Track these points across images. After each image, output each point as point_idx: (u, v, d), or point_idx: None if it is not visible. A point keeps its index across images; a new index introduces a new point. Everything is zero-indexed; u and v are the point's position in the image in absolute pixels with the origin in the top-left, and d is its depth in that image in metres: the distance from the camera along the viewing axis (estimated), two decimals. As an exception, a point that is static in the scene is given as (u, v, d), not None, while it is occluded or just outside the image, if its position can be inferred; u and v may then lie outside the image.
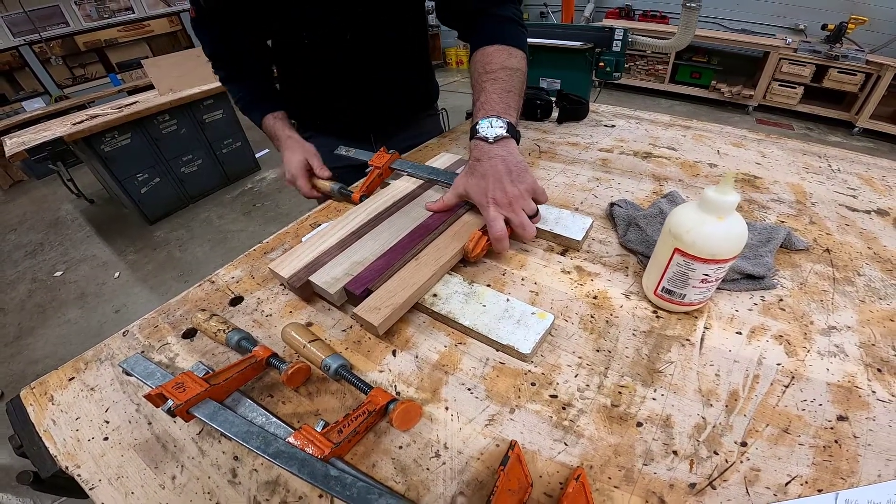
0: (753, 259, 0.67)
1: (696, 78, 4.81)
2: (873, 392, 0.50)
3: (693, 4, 2.73)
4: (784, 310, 0.61)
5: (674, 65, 4.84)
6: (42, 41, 5.85)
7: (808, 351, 0.55)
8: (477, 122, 0.74)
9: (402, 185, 0.87)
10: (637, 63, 5.01)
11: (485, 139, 0.71)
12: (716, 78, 4.72)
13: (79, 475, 0.49)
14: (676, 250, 0.55)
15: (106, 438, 0.52)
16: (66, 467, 0.50)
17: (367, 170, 0.93)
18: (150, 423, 0.54)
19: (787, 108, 4.41)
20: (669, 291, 0.59)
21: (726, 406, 0.49)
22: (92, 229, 3.47)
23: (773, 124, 4.36)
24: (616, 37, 2.95)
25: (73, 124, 3.04)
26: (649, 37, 3.09)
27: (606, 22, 4.95)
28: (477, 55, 0.85)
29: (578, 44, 2.99)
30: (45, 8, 5.77)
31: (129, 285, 2.73)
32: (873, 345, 0.56)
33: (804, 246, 0.72)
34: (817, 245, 0.73)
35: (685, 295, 0.58)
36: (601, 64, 3.02)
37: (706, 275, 0.55)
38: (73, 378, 0.61)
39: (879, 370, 0.53)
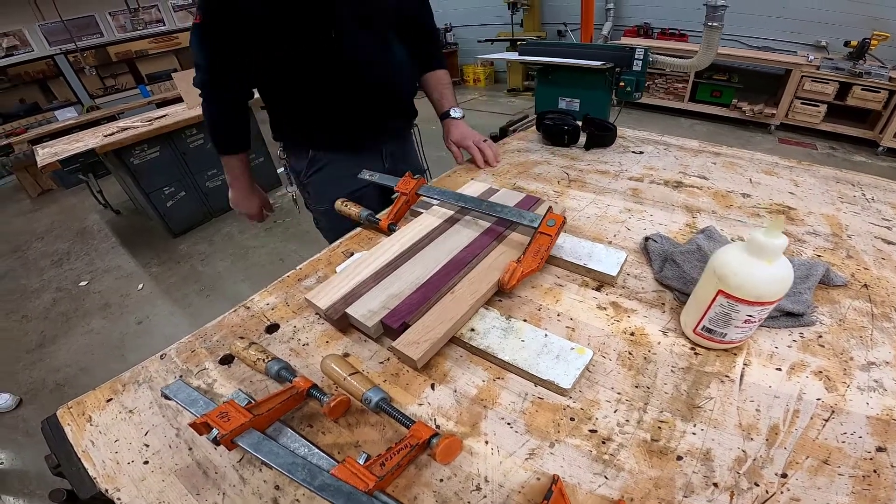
0: (793, 296, 0.65)
1: (717, 97, 4.76)
2: None
3: (715, 23, 2.74)
4: (823, 346, 0.60)
5: (693, 83, 4.80)
6: (77, 51, 6.02)
7: (848, 386, 0.54)
8: (449, 110, 1.31)
9: (433, 217, 0.88)
10: (656, 82, 4.98)
11: (456, 118, 1.30)
12: (737, 96, 4.66)
13: (119, 499, 0.49)
14: (721, 292, 0.55)
15: (146, 462, 0.53)
16: (106, 490, 0.50)
17: (394, 196, 0.94)
18: (190, 449, 0.54)
19: (810, 126, 4.33)
20: (710, 330, 0.59)
21: (767, 440, 0.49)
22: (117, 240, 3.55)
23: (796, 143, 4.29)
24: (637, 56, 2.95)
25: (105, 136, 3.11)
26: (670, 55, 3.10)
27: (625, 40, 4.95)
28: (434, 74, 1.35)
29: (598, 63, 2.99)
30: (81, 18, 5.99)
31: (152, 297, 2.77)
32: (912, 379, 0.55)
33: (842, 282, 0.71)
34: (855, 280, 0.72)
35: (726, 334, 0.58)
36: (621, 84, 3.02)
37: (750, 316, 0.55)
38: (111, 399, 0.62)
39: (919, 404, 0.52)
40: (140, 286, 2.88)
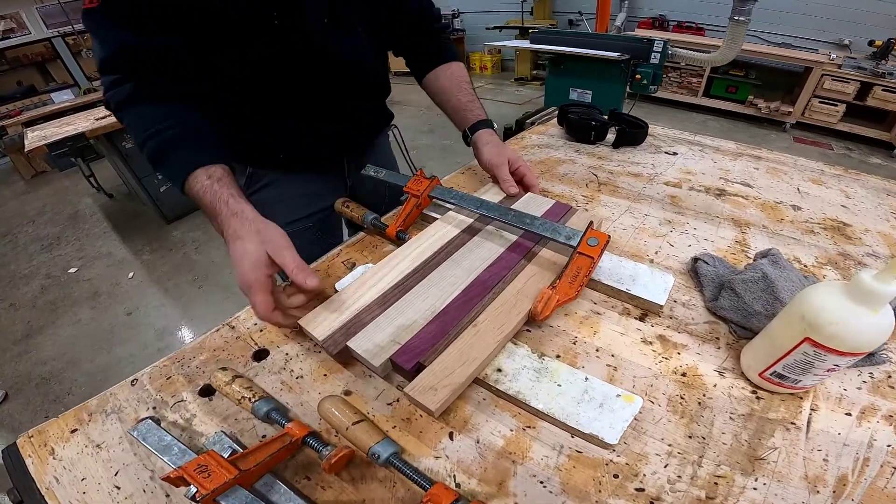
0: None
1: (732, 92, 4.63)
2: None
3: (742, 18, 2.61)
4: (893, 387, 0.54)
5: (709, 78, 4.67)
6: (75, 33, 5.90)
7: None
8: (476, 122, 0.96)
9: (450, 225, 0.76)
10: (669, 75, 4.85)
11: (483, 130, 0.94)
12: (753, 93, 4.54)
13: None
14: (808, 340, 0.45)
15: None
16: None
17: (403, 198, 0.83)
18: (168, 496, 0.46)
19: (826, 126, 4.22)
20: (782, 377, 0.50)
21: (833, 492, 0.44)
22: (109, 225, 3.43)
23: (812, 143, 4.17)
24: (655, 48, 2.84)
25: (97, 119, 3.00)
26: (689, 49, 2.97)
27: (639, 32, 4.80)
28: (443, 69, 1.00)
29: (615, 55, 2.87)
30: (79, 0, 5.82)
31: (143, 286, 2.66)
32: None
33: None
34: None
35: (800, 381, 0.50)
36: (638, 76, 2.91)
37: (836, 365, 0.47)
38: (76, 430, 0.53)
39: None
40: (131, 275, 2.77)
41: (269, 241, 0.60)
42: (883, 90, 3.82)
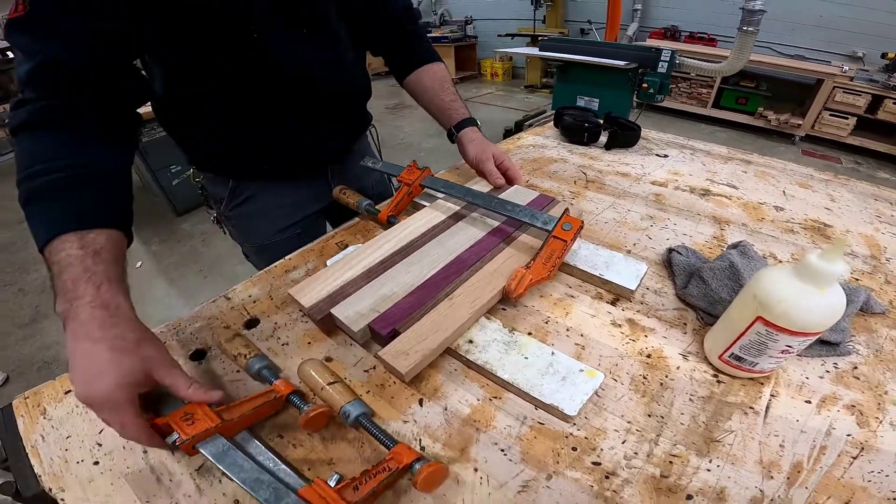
0: (832, 324, 0.58)
1: (742, 104, 4.62)
2: None
3: (751, 28, 2.63)
4: (858, 378, 0.56)
5: (719, 89, 4.67)
6: None
7: (881, 422, 0.50)
8: (460, 120, 0.96)
9: (437, 211, 0.80)
10: (679, 85, 4.86)
11: (467, 129, 0.95)
12: (763, 104, 4.53)
13: (62, 500, 0.45)
14: (760, 319, 0.48)
15: (96, 463, 0.48)
16: (50, 489, 0.46)
17: (396, 187, 0.87)
18: (145, 452, 0.49)
19: (836, 139, 4.20)
20: (740, 359, 0.52)
21: (788, 478, 0.45)
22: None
23: (820, 156, 4.16)
24: (663, 58, 2.86)
25: (114, 112, 3.07)
26: (698, 59, 2.99)
27: (651, 42, 4.82)
28: (426, 70, 0.99)
29: (622, 63, 2.90)
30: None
31: (150, 276, 2.72)
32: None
33: (882, 310, 0.66)
34: (894, 308, 0.67)
35: (757, 363, 0.52)
36: (644, 85, 2.93)
37: (789, 346, 0.49)
38: (70, 391, 0.56)
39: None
40: (139, 264, 2.83)
41: (153, 357, 0.48)
42: (894, 103, 3.78)
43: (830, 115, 4.11)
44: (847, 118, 4.05)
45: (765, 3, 2.59)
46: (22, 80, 0.54)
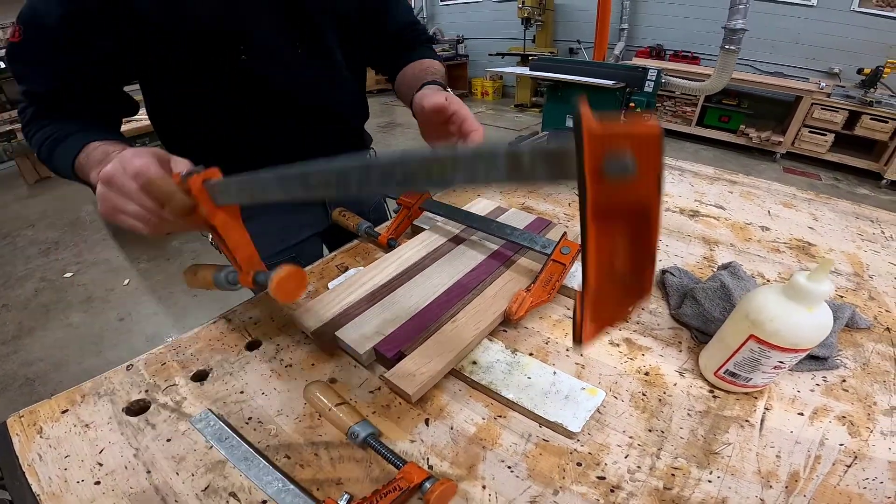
0: (820, 340, 0.61)
1: (725, 122, 4.75)
2: None
3: (732, 47, 2.72)
4: (847, 391, 0.58)
5: (702, 107, 4.79)
6: None
7: (872, 431, 0.53)
8: (427, 83, 0.77)
9: (437, 234, 0.82)
10: (664, 104, 4.97)
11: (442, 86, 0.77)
12: (745, 122, 4.65)
13: None
14: (753, 337, 0.51)
15: (97, 483, 0.48)
16: None
17: (396, 209, 0.88)
18: (149, 472, 0.49)
19: (815, 156, 4.31)
20: (734, 374, 0.55)
21: (786, 487, 0.46)
22: (109, 232, 3.46)
23: (801, 173, 4.28)
24: (649, 77, 2.94)
25: (104, 128, 3.07)
26: (683, 78, 3.08)
27: (637, 61, 4.95)
28: (416, 63, 0.91)
29: (610, 83, 2.97)
30: None
31: (138, 294, 2.70)
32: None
33: (867, 325, 0.69)
34: (878, 323, 0.71)
35: (751, 379, 0.54)
36: (632, 104, 3.00)
37: (781, 362, 0.51)
38: (67, 411, 0.56)
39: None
40: (126, 281, 2.81)
41: (156, 151, 0.53)
42: (871, 119, 3.89)
43: (809, 131, 4.23)
44: (825, 134, 4.17)
45: (746, 22, 2.70)
46: (20, 95, 0.68)
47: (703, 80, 3.00)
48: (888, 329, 0.69)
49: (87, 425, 0.54)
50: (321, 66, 0.82)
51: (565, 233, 0.69)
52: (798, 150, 4.38)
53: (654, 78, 2.93)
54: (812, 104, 4.11)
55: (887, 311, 0.73)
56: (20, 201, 4.41)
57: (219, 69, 0.72)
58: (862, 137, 4.03)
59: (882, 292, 0.78)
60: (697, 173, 1.25)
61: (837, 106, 4.02)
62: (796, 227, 0.98)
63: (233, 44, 0.70)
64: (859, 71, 4.04)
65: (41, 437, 0.53)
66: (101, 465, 0.49)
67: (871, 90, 3.92)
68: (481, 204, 0.93)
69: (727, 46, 2.72)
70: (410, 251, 0.76)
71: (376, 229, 0.87)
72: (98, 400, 0.58)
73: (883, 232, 0.99)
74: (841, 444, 0.51)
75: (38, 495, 0.46)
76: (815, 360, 0.61)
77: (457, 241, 0.79)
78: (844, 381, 0.59)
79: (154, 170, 0.49)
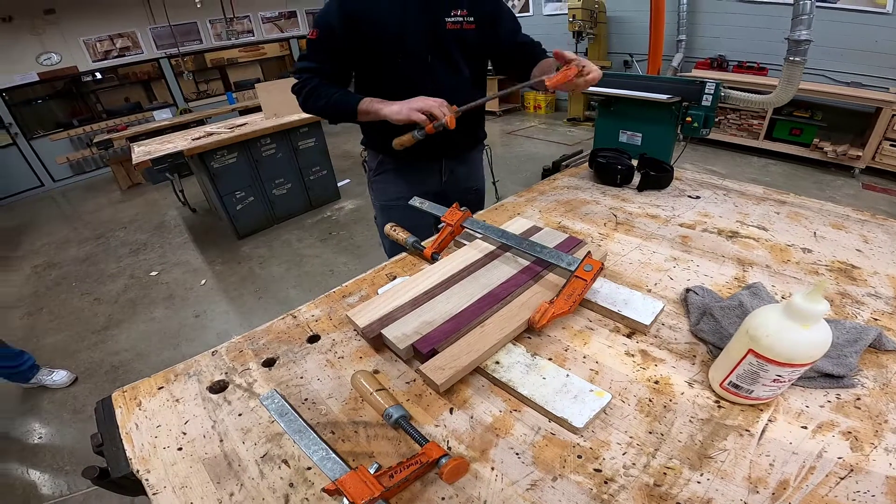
0: (836, 358, 0.63)
1: (797, 135, 4.47)
2: None
3: (797, 58, 2.61)
4: (859, 408, 0.59)
5: (771, 120, 4.55)
6: (179, 55, 6.55)
7: (875, 447, 0.53)
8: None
9: (475, 250, 0.91)
10: (728, 117, 4.77)
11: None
12: (819, 135, 4.36)
13: (147, 480, 0.55)
14: (751, 351, 0.55)
15: (180, 449, 0.59)
16: (138, 470, 0.56)
17: (440, 226, 0.98)
18: (221, 441, 0.60)
19: (899, 172, 3.98)
20: (737, 386, 0.58)
21: (773, 494, 0.48)
22: (189, 236, 3.85)
23: (883, 190, 3.95)
24: (707, 90, 2.85)
25: (193, 139, 3.42)
26: (744, 90, 2.96)
27: (696, 73, 4.80)
28: (543, 61, 1.25)
29: (665, 97, 2.92)
30: (186, 24, 6.53)
31: (212, 294, 2.97)
32: (947, 444, 0.53)
33: (895, 347, 0.68)
34: None
35: (753, 391, 0.57)
36: (688, 119, 2.92)
37: (779, 376, 0.55)
38: (163, 387, 0.69)
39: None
40: (203, 282, 3.10)
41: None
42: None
43: (891, 145, 3.91)
44: (910, 149, 3.84)
45: (811, 32, 2.58)
46: (296, 67, 1.25)
47: (769, 93, 2.88)
48: None
49: (177, 400, 0.67)
50: (447, 73, 1.24)
51: (589, 252, 0.75)
52: (879, 165, 4.05)
53: (712, 91, 2.83)
54: (893, 116, 3.81)
55: None
56: (114, 205, 4.96)
57: (387, 68, 1.20)
58: (951, 152, 3.67)
59: None
60: (744, 193, 1.25)
61: (922, 117, 3.69)
62: (842, 250, 0.96)
63: (395, 47, 1.17)
64: (944, 80, 3.70)
65: (140, 409, 0.65)
66: (184, 434, 0.61)
67: (959, 100, 3.57)
68: (518, 223, 1.00)
69: (792, 58, 2.61)
70: (450, 264, 0.85)
71: (423, 243, 0.97)
72: (188, 379, 0.71)
73: (940, 256, 0.94)
74: (839, 458, 0.52)
75: (131, 459, 0.58)
76: (830, 377, 0.62)
77: (492, 256, 0.87)
78: (859, 399, 0.60)
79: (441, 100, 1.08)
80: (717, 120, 4.46)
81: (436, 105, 1.08)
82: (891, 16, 4.04)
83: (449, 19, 1.19)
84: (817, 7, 2.64)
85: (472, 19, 1.22)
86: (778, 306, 0.54)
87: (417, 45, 1.19)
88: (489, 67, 1.40)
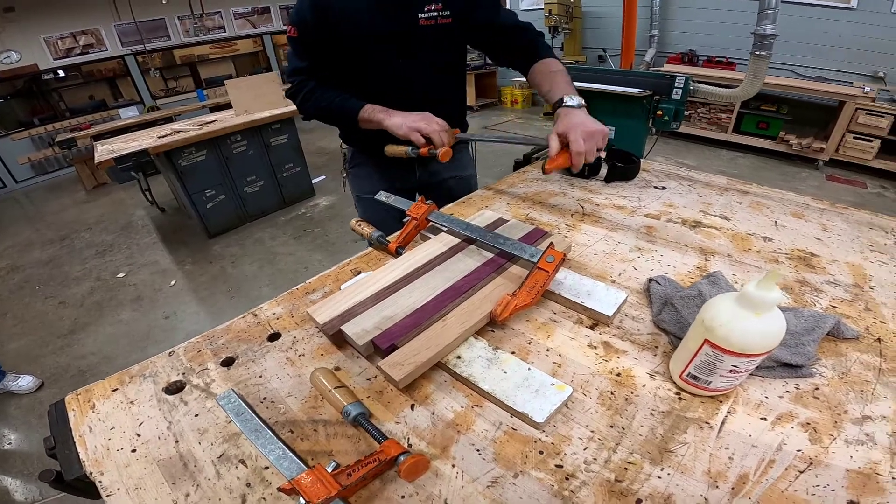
0: (794, 347, 0.64)
1: (764, 128, 4.60)
2: (894, 478, 0.49)
3: (763, 53, 2.67)
4: (818, 398, 0.59)
5: (739, 114, 4.66)
6: (146, 52, 6.34)
7: (835, 439, 0.53)
8: (561, 98, 1.04)
9: (440, 244, 0.90)
10: (698, 111, 4.87)
11: (570, 106, 1.02)
12: (784, 129, 4.49)
13: (100, 482, 0.53)
14: (706, 341, 0.55)
15: (134, 450, 0.57)
16: (91, 473, 0.55)
17: (405, 220, 0.97)
18: (177, 442, 0.58)
19: (860, 163, 4.12)
20: (695, 377, 0.58)
21: (732, 488, 0.48)
22: (158, 236, 3.74)
23: (845, 181, 4.09)
24: (677, 84, 2.89)
25: (159, 137, 3.32)
26: (713, 84, 3.02)
27: (668, 67, 4.88)
28: (538, 64, 1.19)
29: (636, 91, 2.96)
30: (153, 20, 6.34)
31: (182, 294, 2.91)
32: (907, 434, 0.53)
33: (853, 335, 0.69)
34: (868, 334, 0.70)
35: (711, 382, 0.57)
36: (659, 112, 2.96)
37: (735, 366, 0.55)
38: (117, 390, 0.67)
39: (907, 457, 0.51)
40: (172, 282, 3.03)
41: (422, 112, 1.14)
42: (919, 124, 3.71)
43: (854, 137, 4.05)
44: (871, 140, 3.98)
45: (776, 27, 2.64)
46: (289, 70, 1.24)
47: (736, 87, 2.94)
48: (879, 340, 0.68)
49: (131, 402, 0.64)
50: (421, 69, 1.22)
51: (552, 243, 0.74)
52: (842, 157, 4.19)
53: (681, 85, 2.87)
54: (856, 109, 3.95)
55: (882, 322, 0.73)
56: (78, 206, 4.80)
57: (359, 63, 1.18)
58: (911, 143, 3.83)
59: (881, 303, 0.77)
60: (709, 183, 1.27)
61: (883, 111, 3.84)
62: (802, 238, 0.98)
63: (366, 43, 1.14)
64: (904, 74, 3.85)
65: (93, 412, 0.63)
66: (139, 435, 0.59)
67: (918, 94, 3.72)
68: (485, 215, 0.99)
69: (757, 52, 2.66)
70: (414, 258, 0.84)
71: (387, 238, 0.95)
72: (143, 381, 0.68)
73: (896, 242, 0.96)
74: (799, 450, 0.52)
75: (84, 461, 0.56)
76: (789, 367, 0.62)
77: (456, 249, 0.86)
78: (818, 388, 0.60)
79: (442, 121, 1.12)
80: (687, 114, 4.54)
81: (437, 130, 1.08)
82: (854, 11, 4.17)
83: (423, 15, 1.15)
84: (783, 2, 2.70)
85: (447, 13, 1.17)
86: (732, 295, 0.54)
87: (389, 42, 1.16)
88: (488, 61, 1.40)
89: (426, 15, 1.15)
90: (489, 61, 6.81)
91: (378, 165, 1.39)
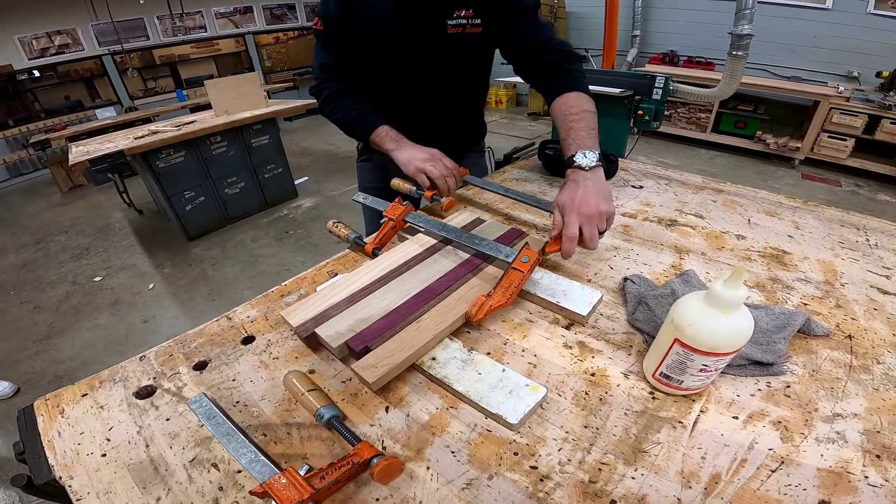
0: (765, 345, 0.65)
1: (741, 128, 4.70)
2: (865, 477, 0.50)
3: (740, 53, 2.71)
4: (789, 396, 0.60)
5: (717, 113, 4.75)
6: (124, 52, 6.21)
7: (806, 437, 0.54)
8: (574, 154, 0.88)
9: (416, 245, 0.89)
10: (678, 111, 4.95)
11: (581, 167, 0.86)
12: (762, 128, 4.59)
13: (70, 486, 0.52)
14: (676, 340, 0.55)
15: (104, 455, 0.56)
16: (60, 477, 0.53)
17: (382, 220, 0.96)
18: (147, 446, 0.57)
19: (835, 161, 4.23)
20: (667, 377, 0.59)
21: (705, 489, 0.49)
22: (136, 239, 3.66)
23: (820, 180, 4.19)
24: (657, 84, 2.92)
25: (135, 138, 3.25)
26: (692, 84, 3.07)
27: (649, 68, 4.95)
28: (560, 100, 1.03)
29: (617, 91, 2.98)
30: (131, 20, 6.21)
31: (161, 298, 2.85)
32: (878, 432, 0.55)
33: (824, 332, 0.70)
34: (839, 331, 0.71)
35: (683, 381, 0.58)
36: (640, 112, 2.99)
37: (705, 365, 0.55)
38: (87, 395, 0.65)
39: (878, 456, 0.52)
40: (151, 286, 2.97)
41: (433, 150, 1.11)
42: (891, 123, 3.81)
43: (829, 136, 4.15)
44: (845, 139, 4.08)
45: (753, 27, 2.69)
46: (315, 65, 1.22)
47: (714, 87, 2.99)
48: (849, 337, 0.69)
49: (101, 407, 0.63)
50: (443, 75, 1.18)
51: (527, 243, 0.75)
52: (818, 156, 4.30)
53: (661, 85, 2.89)
54: (831, 108, 4.05)
55: (853, 318, 0.74)
56: (53, 208, 4.68)
57: (381, 62, 1.16)
58: (882, 142, 3.93)
59: (852, 300, 0.79)
60: (685, 182, 1.28)
61: (857, 110, 3.94)
62: (774, 236, 0.99)
63: (390, 44, 1.11)
64: (878, 74, 3.96)
65: (62, 416, 0.61)
66: (108, 440, 0.58)
67: (891, 93, 3.83)
68: (464, 215, 0.99)
69: (734, 52, 2.71)
70: (390, 259, 0.83)
71: (364, 240, 0.95)
72: (113, 385, 0.66)
73: (868, 240, 0.99)
74: (770, 449, 0.52)
75: (53, 466, 0.55)
76: (761, 365, 0.63)
77: (433, 250, 0.86)
78: (789, 386, 0.61)
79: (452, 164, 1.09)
80: (667, 114, 4.61)
81: (443, 176, 1.04)
82: (830, 11, 4.28)
83: (451, 22, 1.07)
84: (759, 2, 2.75)
85: (478, 21, 1.08)
86: (700, 294, 0.55)
87: (413, 46, 1.11)
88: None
89: (454, 22, 1.08)
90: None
91: (383, 164, 1.37)
